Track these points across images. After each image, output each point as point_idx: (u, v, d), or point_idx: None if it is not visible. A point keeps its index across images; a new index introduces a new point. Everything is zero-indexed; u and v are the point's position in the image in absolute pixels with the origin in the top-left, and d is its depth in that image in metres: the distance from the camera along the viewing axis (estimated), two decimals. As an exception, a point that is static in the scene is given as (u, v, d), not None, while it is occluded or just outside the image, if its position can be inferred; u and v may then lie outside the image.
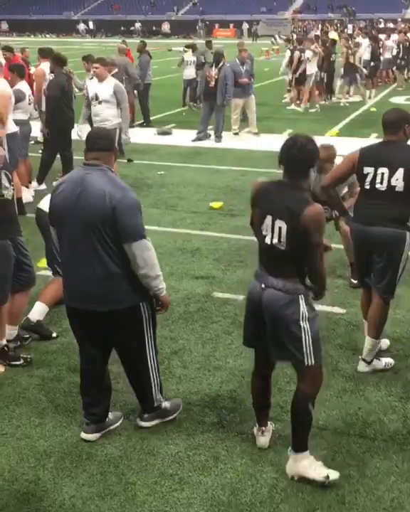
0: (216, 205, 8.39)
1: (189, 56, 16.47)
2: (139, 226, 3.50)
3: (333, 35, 25.26)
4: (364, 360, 4.48)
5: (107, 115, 8.59)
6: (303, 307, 3.32)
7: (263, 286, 3.40)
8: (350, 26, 30.54)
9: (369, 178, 4.28)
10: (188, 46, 17.11)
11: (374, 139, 12.14)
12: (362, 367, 4.49)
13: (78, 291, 3.59)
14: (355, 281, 5.61)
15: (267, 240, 3.34)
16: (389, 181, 4.20)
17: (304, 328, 3.31)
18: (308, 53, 16.19)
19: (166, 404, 3.96)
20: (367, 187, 4.31)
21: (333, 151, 5.92)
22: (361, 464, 3.60)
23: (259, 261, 3.50)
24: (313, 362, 3.36)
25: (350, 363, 4.63)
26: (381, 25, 26.53)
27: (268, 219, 3.31)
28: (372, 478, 3.50)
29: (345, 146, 11.31)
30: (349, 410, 4.08)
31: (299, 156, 3.25)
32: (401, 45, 19.72)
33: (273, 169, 10.56)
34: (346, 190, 6.03)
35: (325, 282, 3.44)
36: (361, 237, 4.37)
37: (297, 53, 16.39)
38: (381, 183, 4.23)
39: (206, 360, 4.70)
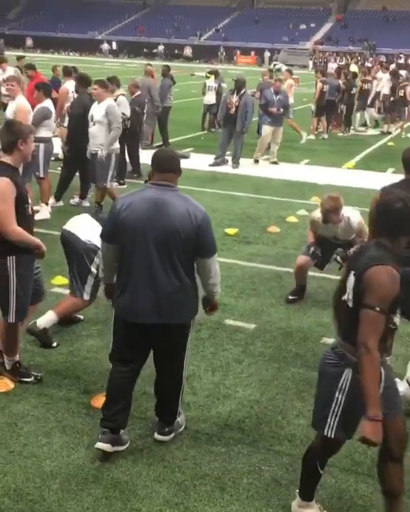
0: (231, 231, 8.42)
1: (211, 82, 16.72)
2: (215, 241, 3.80)
3: (353, 68, 25.48)
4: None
5: (102, 138, 8.42)
6: (346, 379, 3.12)
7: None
8: (370, 59, 30.86)
9: None
10: (210, 72, 17.38)
11: (390, 174, 12.20)
12: None
13: (149, 307, 3.68)
14: None
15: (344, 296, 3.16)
16: None
17: (337, 398, 3.17)
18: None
19: (178, 418, 4.11)
20: None
21: (339, 203, 5.82)
22: (369, 504, 3.57)
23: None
24: (332, 435, 3.21)
25: (360, 400, 4.60)
26: (402, 61, 26.74)
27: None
28: (379, 519, 3.46)
29: (362, 180, 11.42)
30: (358, 448, 4.04)
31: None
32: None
33: (288, 198, 10.64)
34: (354, 235, 6.04)
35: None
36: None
37: (319, 84, 16.60)
38: None
39: (215, 387, 4.69)
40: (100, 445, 3.82)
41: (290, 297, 6.32)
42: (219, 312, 5.96)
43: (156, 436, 4.02)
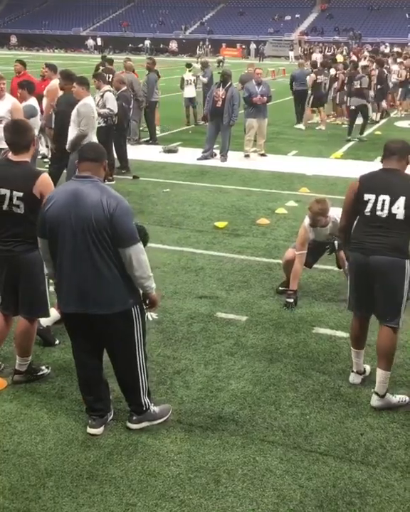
0: (220, 224, 8.42)
1: (189, 75, 16.73)
2: (134, 231, 3.74)
3: (339, 58, 25.49)
4: (376, 393, 4.38)
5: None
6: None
7: None
8: (353, 48, 30.83)
9: (370, 205, 4.29)
10: (187, 65, 17.40)
11: (377, 163, 12.20)
12: (375, 401, 4.38)
13: (75, 297, 3.77)
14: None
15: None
16: (390, 209, 4.22)
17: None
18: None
19: (154, 408, 4.15)
20: (368, 213, 4.31)
21: (326, 206, 5.89)
22: (363, 491, 3.58)
23: None
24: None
25: (353, 388, 4.62)
26: (387, 50, 26.72)
27: None
28: (374, 506, 3.47)
29: (349, 169, 11.43)
30: (352, 436, 4.06)
31: None
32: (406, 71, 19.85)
33: (277, 190, 10.64)
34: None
35: None
36: (362, 266, 4.33)
37: (312, 75, 16.63)
38: (382, 210, 4.24)
39: (208, 381, 4.69)
40: (91, 430, 4.02)
41: (281, 288, 6.32)
42: (211, 305, 6.00)
43: (127, 423, 4.12)
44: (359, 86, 14.95)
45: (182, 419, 4.22)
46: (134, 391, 4.06)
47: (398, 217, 4.21)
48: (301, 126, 16.91)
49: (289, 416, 4.25)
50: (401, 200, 4.20)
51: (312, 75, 16.77)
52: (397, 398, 4.43)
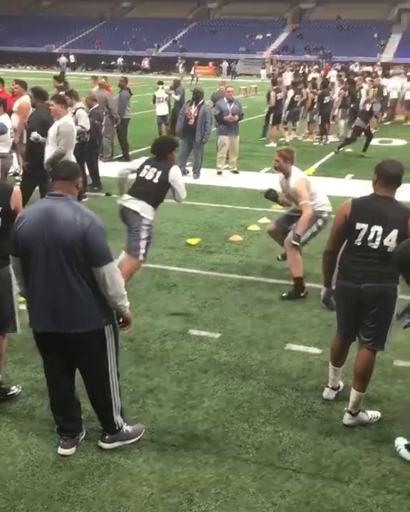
0: (193, 241, 8.43)
1: (161, 93, 16.83)
2: (108, 249, 3.72)
3: (314, 75, 25.83)
4: (349, 412, 4.39)
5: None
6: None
7: None
8: (323, 67, 31.32)
9: (361, 235, 4.19)
10: (159, 83, 17.53)
11: (349, 180, 12.38)
12: (347, 419, 4.39)
13: (47, 316, 3.74)
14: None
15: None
16: (381, 241, 4.13)
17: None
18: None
19: (127, 428, 4.11)
20: (358, 243, 4.21)
21: (289, 154, 6.81)
22: (336, 508, 3.59)
23: None
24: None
25: (326, 405, 4.64)
26: (357, 69, 27.19)
27: None
28: (347, 522, 3.48)
29: (322, 186, 11.52)
30: (324, 453, 4.07)
31: None
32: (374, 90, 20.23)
33: (250, 207, 10.67)
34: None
35: None
36: (353, 294, 4.26)
37: (273, 93, 16.90)
38: (374, 241, 4.14)
39: (181, 398, 4.67)
40: (62, 451, 3.98)
41: (280, 258, 7.14)
42: (184, 322, 5.99)
43: (99, 443, 4.08)
44: (367, 109, 15.27)
45: (155, 438, 4.19)
46: (107, 410, 4.02)
47: (389, 249, 4.11)
48: (272, 144, 17.07)
49: (262, 433, 4.25)
50: (394, 233, 4.09)
51: (273, 92, 17.05)
52: (369, 415, 4.45)
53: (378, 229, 4.14)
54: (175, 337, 5.67)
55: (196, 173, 12.68)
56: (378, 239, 4.14)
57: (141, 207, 6.28)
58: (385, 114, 22.33)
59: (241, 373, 5.06)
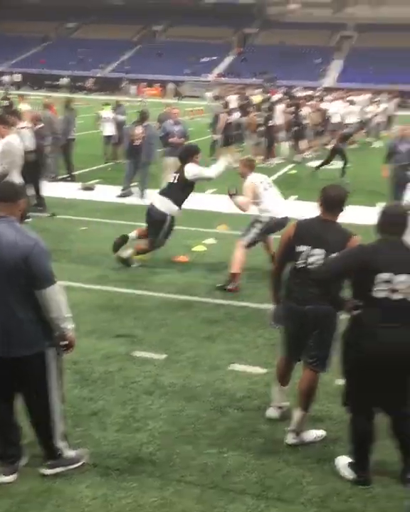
0: (140, 257, 8.43)
1: (107, 113, 16.86)
2: (51, 272, 3.70)
3: (258, 98, 26.26)
4: (293, 431, 4.43)
5: None
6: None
7: None
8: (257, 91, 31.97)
9: (303, 257, 4.28)
10: (106, 104, 17.56)
11: (292, 201, 12.56)
12: (291, 439, 4.42)
13: None
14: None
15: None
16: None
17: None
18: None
19: (70, 453, 4.02)
20: (300, 265, 4.30)
21: (249, 163, 8.04)
22: (280, 528, 3.60)
23: None
24: None
25: (269, 424, 4.67)
26: (299, 94, 27.79)
27: None
28: (290, 543, 3.49)
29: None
30: (268, 473, 4.08)
31: None
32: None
33: (195, 227, 10.69)
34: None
35: None
36: (296, 315, 4.34)
37: (223, 116, 17.16)
38: (315, 263, 4.22)
39: (125, 421, 4.63)
40: (2, 479, 3.88)
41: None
42: (128, 344, 5.95)
43: (40, 469, 3.99)
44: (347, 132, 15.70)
45: (98, 462, 4.13)
46: (49, 435, 3.95)
47: None
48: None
49: (206, 455, 4.24)
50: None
51: (223, 115, 17.32)
52: (313, 434, 4.50)
53: (319, 252, 4.23)
54: (120, 359, 5.62)
55: (142, 194, 12.69)
56: (319, 262, 4.22)
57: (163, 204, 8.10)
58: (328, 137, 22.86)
59: (186, 395, 5.05)
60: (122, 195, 12.70)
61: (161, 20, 65.97)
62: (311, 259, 4.25)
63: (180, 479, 3.99)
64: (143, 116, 12.64)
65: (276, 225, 7.59)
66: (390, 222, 3.86)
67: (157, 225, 8.15)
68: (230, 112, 17.55)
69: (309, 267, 4.26)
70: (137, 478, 3.99)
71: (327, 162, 16.10)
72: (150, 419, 4.67)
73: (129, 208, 11.83)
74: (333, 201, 4.32)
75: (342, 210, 4.39)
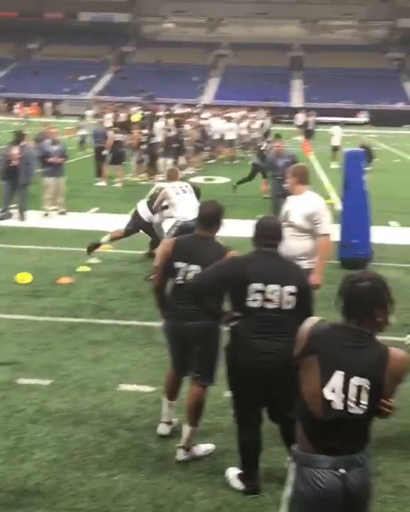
0: (20, 281, 8.21)
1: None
2: None
3: (136, 118, 26.36)
4: (182, 447, 4.42)
5: None
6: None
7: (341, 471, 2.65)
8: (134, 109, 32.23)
9: (181, 273, 4.32)
10: None
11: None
12: (181, 455, 4.41)
13: None
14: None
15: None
16: None
17: None
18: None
19: None
20: (180, 282, 4.34)
21: (173, 174, 9.08)
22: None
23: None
24: None
25: (160, 442, 4.65)
26: (179, 111, 28.18)
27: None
28: None
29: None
30: (159, 492, 4.06)
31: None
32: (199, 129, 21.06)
33: (79, 247, 10.55)
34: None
35: None
36: (179, 332, 4.37)
37: (111, 134, 17.17)
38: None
39: (10, 452, 4.45)
40: None
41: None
42: (11, 371, 5.74)
43: None
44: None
45: (-18, 498, 3.94)
46: None
47: None
48: (102, 183, 17.15)
49: (96, 480, 4.16)
50: None
51: (111, 132, 17.30)
52: (202, 448, 4.52)
53: (195, 268, 4.28)
54: (2, 388, 5.41)
55: (22, 216, 12.36)
56: None
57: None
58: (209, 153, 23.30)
59: (73, 419, 4.93)
60: (1, 218, 12.31)
61: (35, 38, 65.04)
62: (189, 276, 4.29)
63: (70, 507, 3.88)
64: (19, 137, 12.35)
65: (186, 228, 7.67)
66: (265, 235, 3.97)
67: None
68: (117, 131, 17.53)
69: (188, 283, 4.30)
70: (24, 510, 3.84)
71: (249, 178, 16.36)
72: (37, 448, 4.52)
73: (9, 231, 11.49)
74: (208, 217, 4.40)
75: (219, 226, 4.46)
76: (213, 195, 11.61)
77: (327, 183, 17.98)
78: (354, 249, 9.04)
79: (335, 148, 22.42)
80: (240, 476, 4.13)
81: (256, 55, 60.78)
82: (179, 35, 67.46)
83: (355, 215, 9.40)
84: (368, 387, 2.62)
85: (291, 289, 3.80)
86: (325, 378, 2.64)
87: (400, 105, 54.55)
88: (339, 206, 10.60)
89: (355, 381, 2.62)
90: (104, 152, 17.47)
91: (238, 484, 4.10)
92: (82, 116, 26.72)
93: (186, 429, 4.44)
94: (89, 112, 49.13)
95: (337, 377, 2.63)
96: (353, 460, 2.66)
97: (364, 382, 2.62)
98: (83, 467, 4.31)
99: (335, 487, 2.62)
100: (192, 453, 4.44)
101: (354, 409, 2.63)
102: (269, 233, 3.97)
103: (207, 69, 62.24)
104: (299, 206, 5.94)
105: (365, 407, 2.63)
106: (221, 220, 4.46)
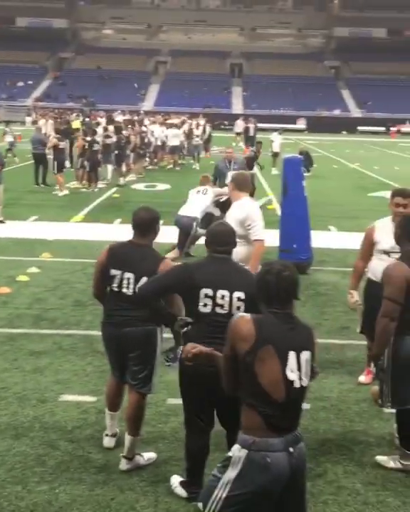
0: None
1: None
2: None
3: (76, 124, 26.11)
4: (125, 457, 4.38)
5: None
6: None
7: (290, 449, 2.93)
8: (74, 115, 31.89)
9: (116, 281, 4.31)
10: None
11: (117, 225, 12.60)
12: (124, 465, 4.37)
13: None
14: None
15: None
16: (134, 288, 4.23)
17: None
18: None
19: None
20: (115, 289, 4.32)
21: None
22: None
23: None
24: None
25: (102, 453, 4.60)
26: (119, 117, 28.00)
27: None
28: None
29: (90, 232, 11.67)
30: (102, 503, 4.01)
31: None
32: (138, 136, 21.00)
33: (18, 256, 10.37)
34: None
35: None
36: (116, 339, 4.35)
37: (54, 140, 17.03)
38: (128, 288, 4.26)
39: None
40: None
41: None
42: None
43: None
44: None
45: None
46: None
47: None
48: (64, 192, 16.83)
49: (37, 493, 4.08)
50: (144, 281, 4.18)
51: (54, 139, 17.12)
52: (145, 457, 4.50)
53: (130, 276, 4.28)
54: None
55: (-41, 225, 12.07)
56: (131, 286, 4.27)
57: None
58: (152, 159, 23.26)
59: (13, 432, 4.83)
60: None
61: (-30, 44, 63.72)
62: (124, 283, 4.29)
63: (9, 523, 3.80)
64: None
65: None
66: (216, 241, 4.00)
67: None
68: (62, 138, 17.37)
69: (123, 290, 4.29)
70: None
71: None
72: None
73: None
74: (143, 225, 4.39)
75: (154, 233, 4.45)
76: (154, 203, 11.67)
77: (267, 188, 18.20)
78: (295, 254, 9.17)
79: (275, 155, 22.75)
80: (183, 484, 4.12)
81: (196, 62, 61.19)
82: (118, 41, 67.28)
83: (294, 221, 9.53)
84: (309, 359, 3.00)
85: (240, 294, 3.83)
86: (284, 361, 2.92)
87: (337, 112, 55.83)
88: (279, 212, 10.74)
89: (304, 356, 2.98)
90: (49, 156, 17.32)
91: (181, 492, 4.10)
92: (7, 123, 26.34)
93: (128, 439, 4.41)
94: (28, 119, 48.53)
95: (292, 357, 2.94)
96: (296, 436, 2.97)
97: (308, 354, 3.00)
98: (23, 481, 4.22)
99: (285, 466, 2.87)
100: (135, 462, 4.41)
101: (304, 382, 2.97)
102: (220, 239, 4.00)
103: (147, 75, 62.26)
104: (234, 212, 6.04)
105: (309, 377, 3.01)
106: (156, 228, 4.44)
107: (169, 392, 5.40)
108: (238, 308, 3.84)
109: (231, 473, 2.91)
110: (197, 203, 9.41)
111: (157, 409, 5.22)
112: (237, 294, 3.83)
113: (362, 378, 5.88)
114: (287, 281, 3.02)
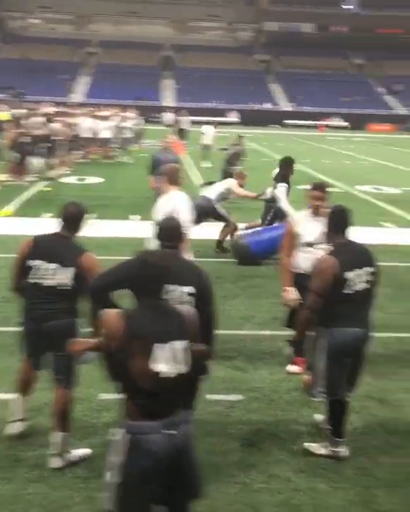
0: None
1: None
2: None
3: (2, 115, 25.45)
4: (56, 454, 4.32)
5: None
6: None
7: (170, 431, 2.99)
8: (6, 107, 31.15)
9: (36, 273, 4.28)
10: None
11: (48, 219, 12.35)
12: (55, 462, 4.31)
13: None
14: None
15: None
16: (57, 278, 4.24)
17: None
18: None
19: None
20: (32, 281, 4.30)
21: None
22: None
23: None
24: None
25: (33, 451, 4.52)
26: (49, 109, 27.41)
27: None
28: None
29: (20, 226, 11.42)
30: (34, 502, 3.95)
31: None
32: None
33: None
34: None
35: None
36: (35, 333, 4.32)
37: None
38: (52, 278, 4.24)
39: None
40: None
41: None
42: None
43: None
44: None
45: None
46: None
47: (59, 287, 4.26)
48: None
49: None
50: (70, 271, 4.21)
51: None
52: (79, 453, 4.45)
53: (54, 266, 4.25)
54: None
55: None
56: (55, 276, 4.25)
57: None
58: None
59: None
60: None
61: None
62: (45, 274, 4.26)
63: None
64: None
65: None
66: (162, 236, 3.98)
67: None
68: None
69: (43, 282, 4.27)
70: None
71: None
72: None
73: None
74: (70, 218, 4.41)
75: (79, 228, 4.46)
76: (87, 196, 11.52)
77: (198, 181, 18.25)
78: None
79: (206, 147, 22.78)
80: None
81: (127, 54, 60.62)
82: (46, 31, 65.91)
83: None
84: (184, 347, 2.97)
85: (189, 289, 3.81)
86: (150, 354, 2.90)
87: (268, 106, 56.53)
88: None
89: (175, 345, 2.94)
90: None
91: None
92: None
93: (57, 435, 4.35)
94: None
95: (159, 350, 2.90)
96: (175, 420, 2.96)
97: (181, 343, 2.96)
98: None
99: (164, 448, 2.90)
100: (67, 459, 4.36)
101: (181, 369, 2.95)
102: (168, 233, 3.98)
103: (77, 66, 61.22)
104: (162, 205, 6.09)
105: (188, 363, 2.98)
106: (81, 222, 4.46)
107: (100, 388, 5.35)
108: (189, 303, 3.79)
109: (117, 459, 2.95)
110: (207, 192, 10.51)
111: (88, 405, 5.17)
112: (186, 289, 3.81)
113: (291, 368, 5.99)
114: (159, 271, 3.04)
